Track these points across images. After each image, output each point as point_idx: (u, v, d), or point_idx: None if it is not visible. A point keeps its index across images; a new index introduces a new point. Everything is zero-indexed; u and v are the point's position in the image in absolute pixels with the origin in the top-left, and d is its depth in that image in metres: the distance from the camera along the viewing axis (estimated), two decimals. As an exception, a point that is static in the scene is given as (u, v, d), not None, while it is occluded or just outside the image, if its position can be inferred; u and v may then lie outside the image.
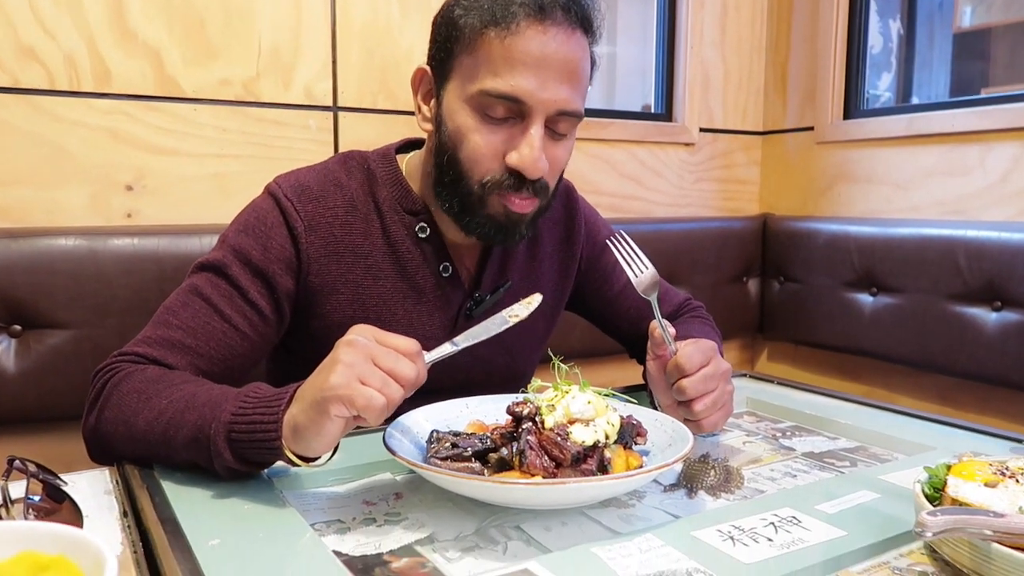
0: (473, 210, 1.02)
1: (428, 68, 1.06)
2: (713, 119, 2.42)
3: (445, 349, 0.86)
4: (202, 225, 1.60)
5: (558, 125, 1.01)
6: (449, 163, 1.02)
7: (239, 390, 0.85)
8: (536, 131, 0.98)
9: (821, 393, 1.32)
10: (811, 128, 2.38)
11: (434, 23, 1.05)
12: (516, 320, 0.92)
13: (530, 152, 0.97)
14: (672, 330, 1.03)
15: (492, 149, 0.99)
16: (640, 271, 1.03)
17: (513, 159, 0.98)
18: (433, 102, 1.06)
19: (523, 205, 1.01)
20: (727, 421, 1.06)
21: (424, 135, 1.10)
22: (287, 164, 1.71)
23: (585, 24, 1.01)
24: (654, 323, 1.02)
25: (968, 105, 2.01)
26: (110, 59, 1.55)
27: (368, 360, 0.76)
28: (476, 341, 0.88)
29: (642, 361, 1.29)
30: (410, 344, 0.79)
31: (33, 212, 1.52)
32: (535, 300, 0.94)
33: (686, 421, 0.98)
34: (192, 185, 1.65)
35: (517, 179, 0.99)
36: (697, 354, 0.99)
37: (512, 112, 0.98)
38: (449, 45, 1.01)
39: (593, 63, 1.07)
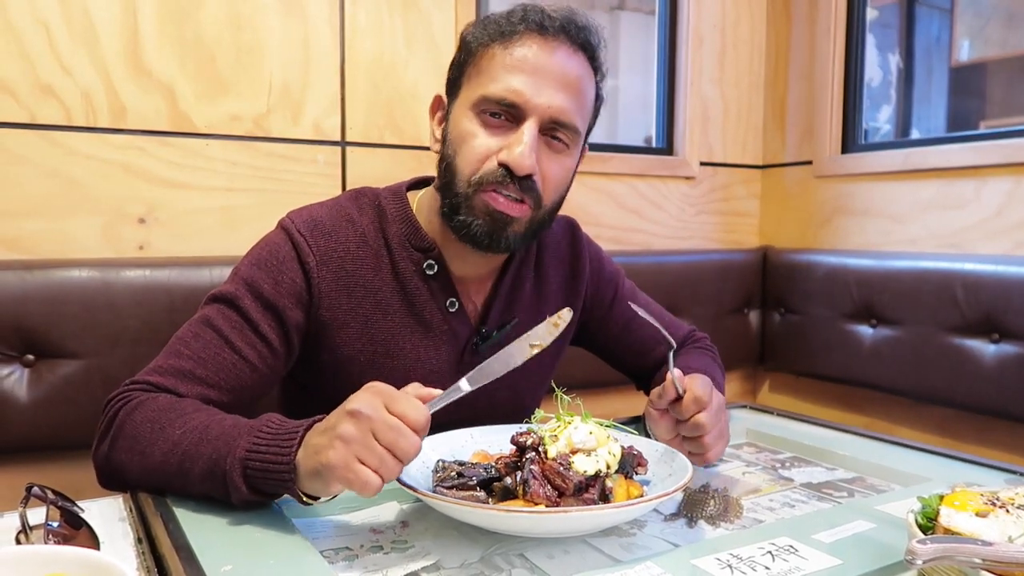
0: (460, 209, 1.05)
1: (444, 94, 1.12)
2: (713, 153, 2.46)
3: (452, 395, 0.83)
4: (212, 257, 1.63)
5: (555, 134, 1.05)
6: (447, 168, 1.07)
7: (252, 423, 0.87)
8: (528, 130, 1.02)
9: (820, 424, 1.34)
10: (809, 162, 2.41)
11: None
12: (539, 349, 0.88)
13: (520, 149, 1.01)
14: (679, 374, 1.04)
15: (487, 150, 1.04)
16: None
17: (503, 155, 1.02)
18: (445, 123, 1.11)
19: (507, 205, 1.03)
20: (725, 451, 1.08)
21: (436, 159, 1.13)
22: (295, 198, 1.75)
23: (586, 48, 1.07)
24: (669, 379, 1.03)
25: (963, 140, 2.04)
26: (125, 95, 1.58)
27: (368, 435, 0.76)
28: (494, 377, 0.86)
29: (648, 393, 1.31)
30: (418, 414, 0.78)
31: (47, 244, 1.54)
32: (564, 317, 0.91)
33: (690, 455, 1.00)
34: (202, 218, 1.68)
35: (505, 173, 1.02)
36: (706, 388, 1.02)
37: (509, 116, 1.03)
38: (460, 64, 1.08)
39: (599, 96, 1.12)
